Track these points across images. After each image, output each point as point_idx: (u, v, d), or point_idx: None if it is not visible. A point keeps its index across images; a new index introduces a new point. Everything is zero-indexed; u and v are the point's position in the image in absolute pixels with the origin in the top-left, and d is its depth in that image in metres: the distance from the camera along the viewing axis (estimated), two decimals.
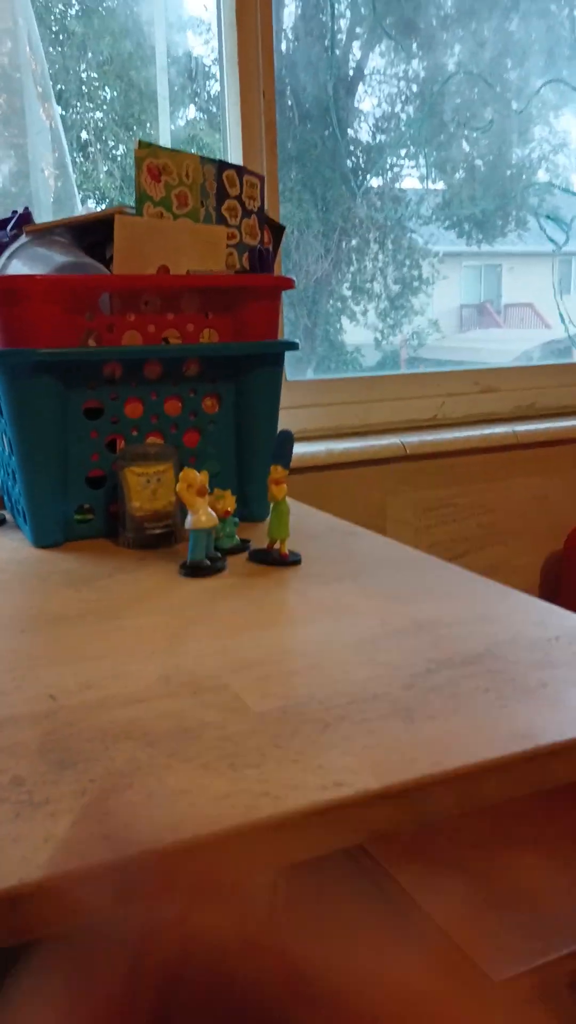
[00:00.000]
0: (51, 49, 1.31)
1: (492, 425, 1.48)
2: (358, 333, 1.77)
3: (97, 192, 1.45)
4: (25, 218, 0.93)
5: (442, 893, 0.97)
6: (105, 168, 1.46)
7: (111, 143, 1.46)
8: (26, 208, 0.94)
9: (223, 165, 0.93)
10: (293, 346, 0.92)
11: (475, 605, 0.66)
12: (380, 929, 0.26)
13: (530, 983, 0.83)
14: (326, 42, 1.54)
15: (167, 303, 0.86)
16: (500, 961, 0.87)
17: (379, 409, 1.47)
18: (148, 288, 0.85)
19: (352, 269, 1.78)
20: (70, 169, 1.16)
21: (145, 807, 0.39)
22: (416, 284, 1.84)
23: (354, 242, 1.75)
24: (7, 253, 0.88)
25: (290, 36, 1.43)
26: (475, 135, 1.78)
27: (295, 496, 0.95)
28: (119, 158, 1.47)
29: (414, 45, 1.68)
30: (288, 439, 0.77)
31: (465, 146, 1.80)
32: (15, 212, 0.94)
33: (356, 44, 1.65)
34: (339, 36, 1.57)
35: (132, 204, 0.89)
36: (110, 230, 0.86)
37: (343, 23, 1.58)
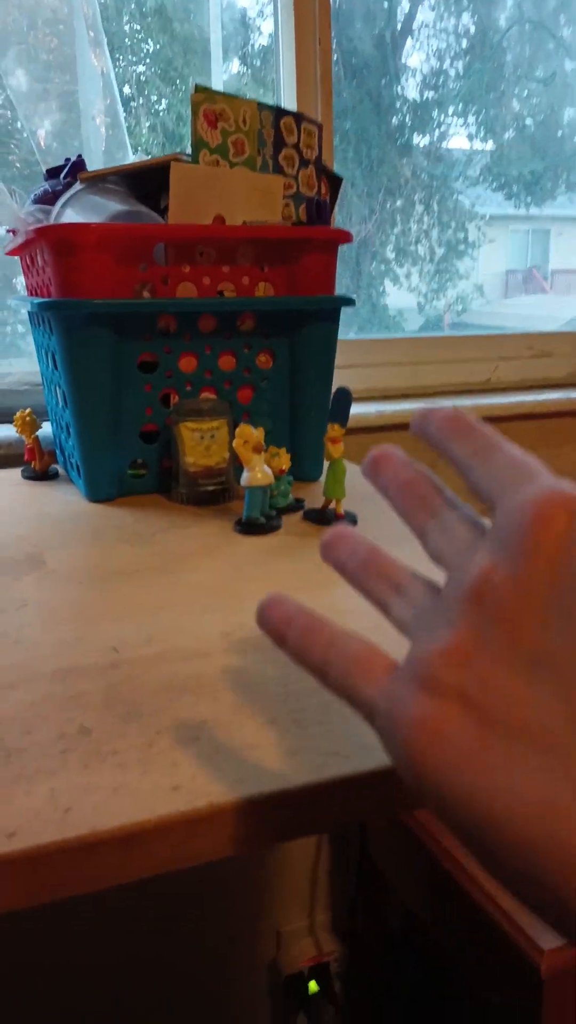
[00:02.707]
0: None
1: (547, 391, 1.44)
2: (401, 297, 1.73)
3: (140, 148, 1.42)
4: (78, 166, 0.91)
5: None
6: (148, 123, 1.43)
7: (153, 98, 1.43)
8: (79, 156, 0.92)
9: (280, 112, 0.90)
10: (350, 302, 0.89)
11: None
12: None
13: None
14: None
15: (222, 255, 0.84)
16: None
17: (428, 372, 1.43)
18: (204, 239, 0.83)
19: (396, 231, 1.73)
20: (121, 118, 1.13)
21: (213, 760, 0.38)
22: (462, 247, 1.79)
23: (399, 203, 1.70)
24: (61, 202, 0.86)
25: None
26: (525, 93, 1.72)
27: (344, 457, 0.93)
28: (161, 113, 1.44)
29: None
30: (346, 397, 0.75)
31: (516, 105, 1.74)
32: (68, 160, 0.92)
33: None
34: None
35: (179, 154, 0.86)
36: (163, 180, 0.83)
37: None
